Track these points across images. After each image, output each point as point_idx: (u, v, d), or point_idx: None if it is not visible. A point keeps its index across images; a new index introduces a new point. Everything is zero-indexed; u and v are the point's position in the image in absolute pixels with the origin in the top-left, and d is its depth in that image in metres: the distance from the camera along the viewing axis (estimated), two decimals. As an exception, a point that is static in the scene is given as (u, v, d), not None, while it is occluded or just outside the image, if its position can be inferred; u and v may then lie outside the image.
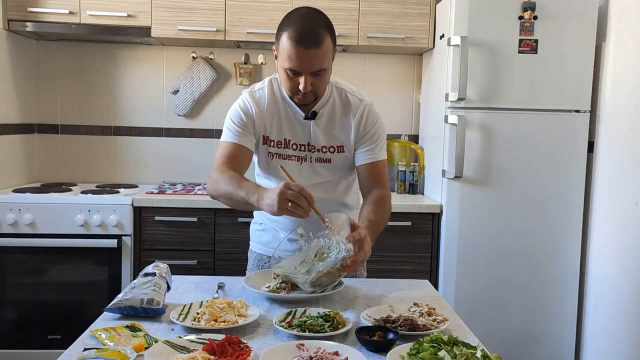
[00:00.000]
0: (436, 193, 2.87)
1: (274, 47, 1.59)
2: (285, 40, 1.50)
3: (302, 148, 1.69)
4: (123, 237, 2.64)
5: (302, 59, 1.49)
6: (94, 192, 2.77)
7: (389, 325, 1.29)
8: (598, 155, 2.68)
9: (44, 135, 3.22)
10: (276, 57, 1.58)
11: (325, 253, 1.45)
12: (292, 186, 1.38)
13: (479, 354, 1.07)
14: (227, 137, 1.68)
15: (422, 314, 1.35)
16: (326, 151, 1.70)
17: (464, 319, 1.43)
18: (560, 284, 2.74)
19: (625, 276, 2.44)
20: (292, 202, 1.36)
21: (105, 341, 1.19)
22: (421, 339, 1.14)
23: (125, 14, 2.83)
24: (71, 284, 2.67)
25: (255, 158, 1.75)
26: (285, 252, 1.60)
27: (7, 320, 2.65)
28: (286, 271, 1.51)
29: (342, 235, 1.44)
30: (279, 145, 1.69)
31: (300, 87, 1.53)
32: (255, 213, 1.87)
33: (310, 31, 1.49)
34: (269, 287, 1.55)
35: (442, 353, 1.06)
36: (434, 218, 2.78)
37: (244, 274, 1.70)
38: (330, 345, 1.17)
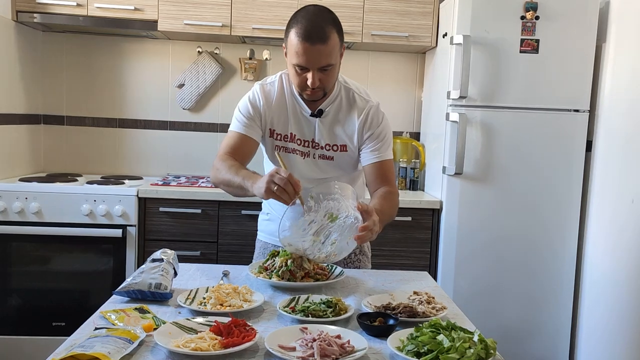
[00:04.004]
0: (436, 189, 2.91)
1: (283, 45, 1.63)
2: (293, 36, 1.55)
3: (306, 144, 1.73)
4: (128, 227, 2.68)
5: (310, 54, 1.53)
6: (99, 183, 2.81)
7: (389, 312, 1.33)
8: (596, 154, 2.72)
9: (50, 126, 3.26)
10: (286, 54, 1.62)
11: (335, 214, 1.45)
12: (281, 172, 1.44)
13: (475, 338, 1.11)
14: (234, 127, 1.73)
15: (422, 302, 1.39)
16: (329, 149, 1.73)
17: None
18: (557, 278, 2.78)
19: (620, 271, 2.48)
20: (278, 187, 1.41)
21: (115, 322, 1.24)
22: (420, 325, 1.19)
23: (132, 7, 2.87)
24: (76, 272, 2.71)
25: (263, 149, 1.80)
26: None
27: (13, 307, 2.69)
28: (294, 235, 1.49)
29: (350, 204, 1.45)
30: (285, 139, 1.73)
31: (309, 82, 1.57)
32: (263, 204, 1.91)
33: (317, 27, 1.53)
34: (269, 273, 1.57)
35: (440, 337, 1.10)
36: (433, 214, 2.82)
37: (246, 265, 1.73)
38: (332, 329, 1.21)
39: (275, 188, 1.41)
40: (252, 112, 1.71)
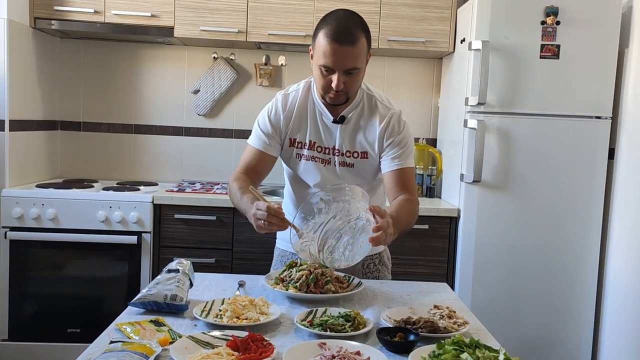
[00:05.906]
0: (454, 197, 2.86)
1: (310, 47, 1.63)
2: (321, 37, 1.54)
3: (327, 151, 1.71)
4: (143, 234, 2.68)
5: (337, 55, 1.52)
6: (115, 189, 2.81)
7: (410, 326, 1.30)
8: (618, 161, 2.66)
9: (67, 132, 3.27)
10: (312, 57, 1.61)
11: (346, 216, 1.44)
12: (260, 206, 1.46)
13: (501, 357, 1.07)
14: (252, 141, 1.74)
15: (443, 316, 1.36)
16: (350, 156, 1.71)
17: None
18: (578, 290, 2.72)
19: (644, 285, 2.42)
20: (264, 221, 1.45)
21: (131, 335, 1.22)
22: (442, 341, 1.15)
23: (149, 14, 2.87)
24: (91, 278, 2.71)
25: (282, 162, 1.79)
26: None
27: (28, 313, 2.69)
28: (305, 239, 1.48)
29: (362, 206, 1.44)
30: (305, 147, 1.71)
31: (333, 84, 1.55)
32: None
33: (347, 30, 1.52)
34: (286, 284, 1.54)
35: (464, 355, 1.07)
36: (451, 222, 2.77)
37: (261, 274, 1.71)
38: (352, 345, 1.18)
39: (263, 223, 1.45)
40: (271, 130, 1.71)
